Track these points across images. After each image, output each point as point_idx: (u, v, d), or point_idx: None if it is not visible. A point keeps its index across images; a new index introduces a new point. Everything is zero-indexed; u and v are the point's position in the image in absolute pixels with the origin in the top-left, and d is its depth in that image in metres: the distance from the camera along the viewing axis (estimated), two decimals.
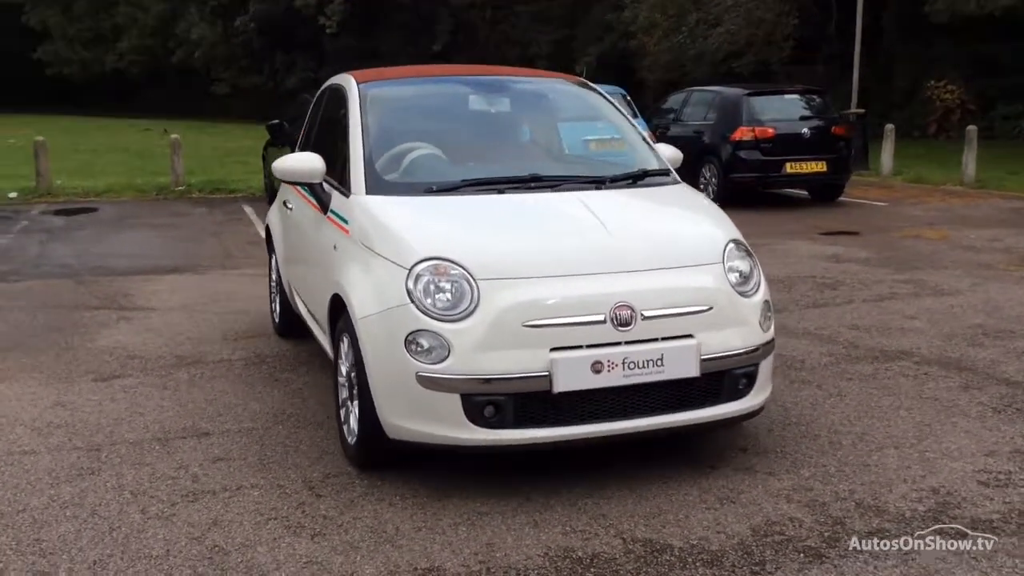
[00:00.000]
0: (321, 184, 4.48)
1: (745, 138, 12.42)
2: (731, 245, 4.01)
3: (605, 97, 5.10)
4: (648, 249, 3.85)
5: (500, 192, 4.15)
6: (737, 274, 3.94)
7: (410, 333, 3.52)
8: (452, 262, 3.60)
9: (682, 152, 4.91)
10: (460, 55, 36.47)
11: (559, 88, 5.33)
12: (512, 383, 3.48)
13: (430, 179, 4.25)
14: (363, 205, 4.10)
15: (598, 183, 4.37)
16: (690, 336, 3.69)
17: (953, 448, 4.15)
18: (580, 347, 3.54)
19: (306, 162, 4.39)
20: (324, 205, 4.43)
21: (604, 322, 3.56)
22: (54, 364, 5.55)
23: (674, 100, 14.63)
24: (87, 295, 7.50)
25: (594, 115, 5.08)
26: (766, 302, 3.99)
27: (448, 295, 3.55)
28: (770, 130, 12.38)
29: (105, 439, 4.32)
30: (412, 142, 4.60)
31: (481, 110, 4.91)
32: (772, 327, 4.02)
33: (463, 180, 4.23)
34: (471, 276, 3.57)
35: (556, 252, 3.74)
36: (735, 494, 3.70)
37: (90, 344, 6.01)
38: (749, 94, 12.91)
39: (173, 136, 15.59)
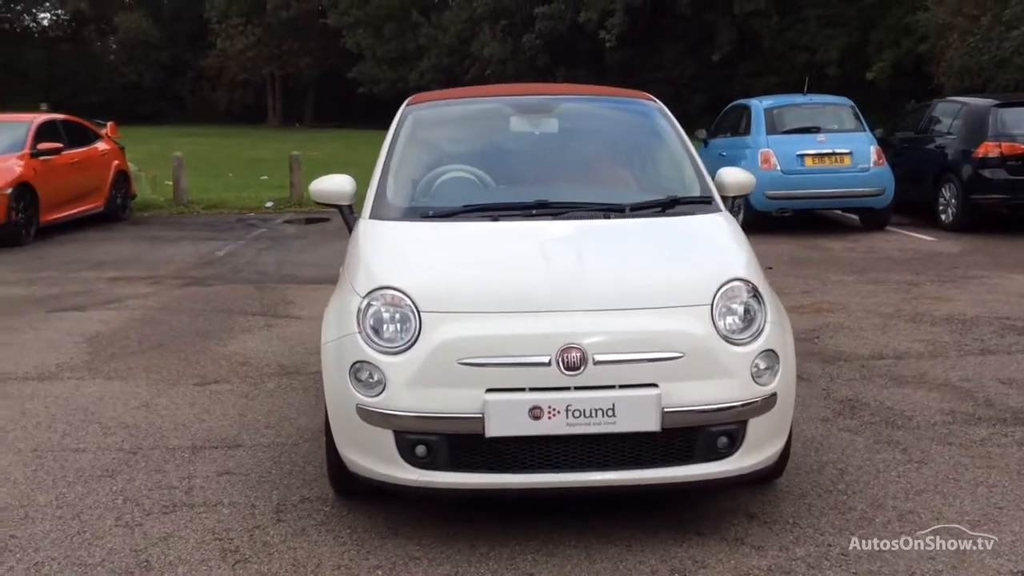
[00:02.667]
0: (350, 207, 4.51)
1: (990, 154, 11.02)
2: (731, 285, 3.56)
3: (670, 120, 4.70)
4: (619, 287, 3.51)
5: (495, 220, 3.98)
6: (733, 318, 3.50)
7: (355, 363, 3.45)
8: (402, 292, 3.49)
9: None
10: (744, 63, 35.46)
11: (617, 107, 5.01)
12: (443, 423, 3.31)
13: (439, 203, 4.16)
14: (359, 229, 4.09)
15: (613, 211, 4.05)
16: (653, 386, 3.32)
17: (1005, 545, 3.44)
18: (522, 390, 3.30)
19: (336, 184, 4.44)
20: (350, 229, 4.46)
21: (549, 364, 3.29)
22: (175, 366, 6.01)
23: (918, 113, 13.30)
24: (255, 301, 8.05)
25: (649, 135, 4.70)
26: (768, 352, 3.49)
27: (395, 326, 3.44)
28: (1021, 146, 10.92)
29: (150, 443, 4.60)
30: (450, 164, 4.53)
31: (523, 132, 4.72)
32: (777, 379, 3.50)
33: (464, 206, 4.09)
34: (416, 308, 3.43)
35: (511, 286, 3.51)
36: (694, 569, 3.28)
37: (219, 348, 6.44)
38: (1000, 105, 11.45)
39: None
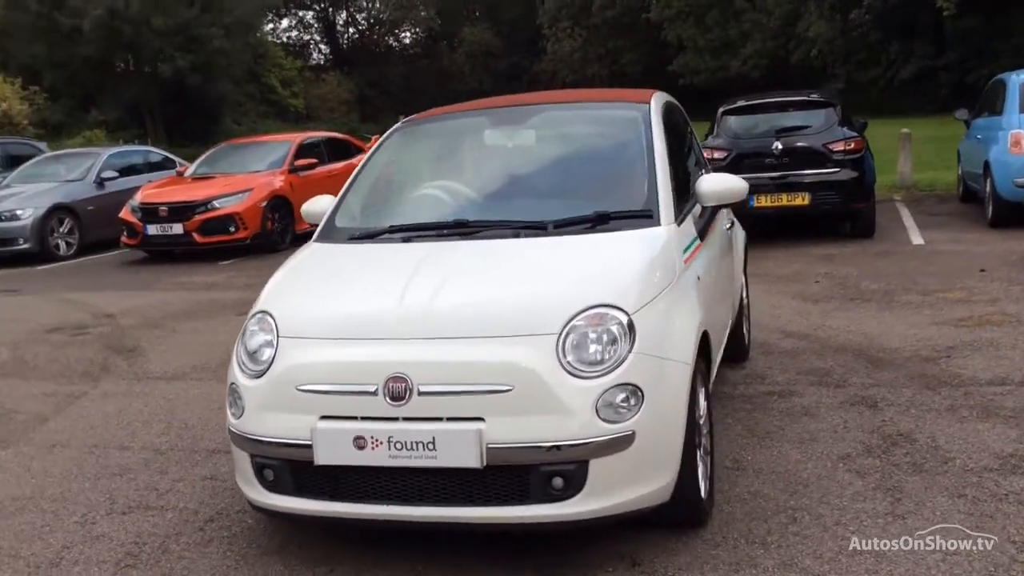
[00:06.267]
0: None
1: None
2: (592, 312, 3.24)
3: (651, 127, 4.28)
4: (465, 316, 3.33)
5: (407, 241, 3.93)
6: (584, 349, 3.19)
7: (231, 384, 3.61)
8: (272, 317, 3.58)
9: None
10: None
11: (598, 116, 4.64)
12: (280, 449, 3.36)
13: (368, 225, 4.19)
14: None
15: (535, 228, 3.83)
16: (479, 420, 3.13)
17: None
18: (354, 418, 3.26)
19: (317, 205, 4.58)
20: None
21: (376, 394, 3.22)
22: None
23: None
24: None
25: (618, 145, 4.34)
26: (625, 386, 3.14)
27: (264, 351, 3.54)
28: None
29: (185, 444, 5.04)
30: (430, 181, 4.53)
31: (496, 145, 4.55)
32: (638, 417, 3.14)
33: (390, 226, 4.08)
34: (277, 333, 3.51)
35: (358, 314, 3.47)
36: None
37: None
38: None
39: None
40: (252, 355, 3.54)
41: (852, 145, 9.95)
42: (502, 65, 55.10)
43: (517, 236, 3.81)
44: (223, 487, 4.38)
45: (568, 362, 3.17)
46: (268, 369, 3.45)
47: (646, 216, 3.85)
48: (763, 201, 10.06)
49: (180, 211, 12.03)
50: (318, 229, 4.31)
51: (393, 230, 4.05)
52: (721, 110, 10.88)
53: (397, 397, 3.19)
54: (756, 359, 5.90)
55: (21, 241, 12.84)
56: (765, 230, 10.99)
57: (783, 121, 10.46)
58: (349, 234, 4.15)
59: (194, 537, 3.88)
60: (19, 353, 7.49)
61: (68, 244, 13.34)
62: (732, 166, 10.19)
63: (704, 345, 3.81)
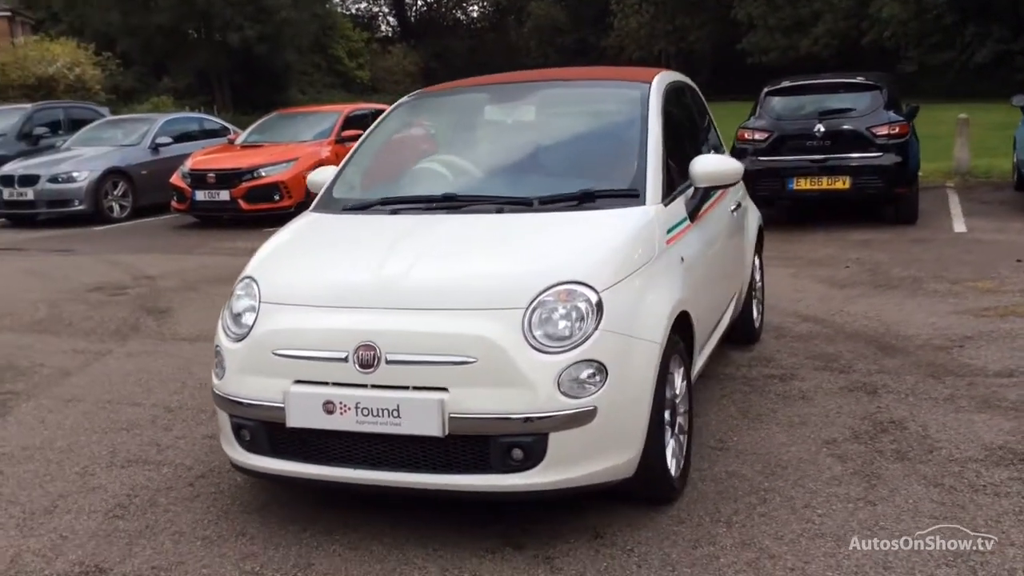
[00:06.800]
0: None
1: None
2: (561, 288, 3.27)
3: (649, 106, 4.27)
4: (436, 287, 3.39)
5: (395, 213, 4.00)
6: (551, 324, 3.23)
7: (216, 347, 3.73)
8: (256, 283, 3.68)
9: None
10: None
11: (599, 93, 4.62)
12: (256, 410, 3.46)
13: (365, 196, 4.26)
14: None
15: (520, 204, 3.86)
16: (443, 390, 3.20)
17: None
18: (325, 384, 3.35)
19: (321, 175, 4.67)
20: None
21: (346, 360, 3.31)
22: None
23: None
24: None
25: (614, 124, 4.33)
26: (590, 363, 3.18)
27: (246, 315, 3.65)
28: None
29: (195, 403, 5.19)
30: (433, 155, 4.58)
31: (496, 121, 4.57)
32: (601, 393, 3.18)
33: (382, 199, 4.15)
34: (260, 298, 3.61)
35: (336, 282, 3.54)
36: None
37: None
38: None
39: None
40: (236, 319, 3.65)
41: (896, 129, 9.74)
42: (568, 40, 54.78)
43: (501, 211, 3.85)
44: (220, 446, 4.51)
45: (534, 337, 3.21)
46: (249, 333, 3.55)
47: (632, 195, 3.86)
48: (803, 184, 9.93)
49: (227, 178, 12.28)
50: (316, 199, 4.40)
51: (385, 202, 4.12)
52: (765, 90, 10.73)
53: (366, 364, 3.27)
54: (767, 342, 5.86)
55: (76, 202, 13.25)
56: (805, 213, 10.87)
57: (827, 103, 10.28)
58: (343, 205, 4.23)
59: (183, 492, 4.02)
60: (57, 310, 7.77)
61: (122, 207, 13.72)
62: (773, 148, 10.09)
63: (686, 326, 3.83)
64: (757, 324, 5.88)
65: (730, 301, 5.07)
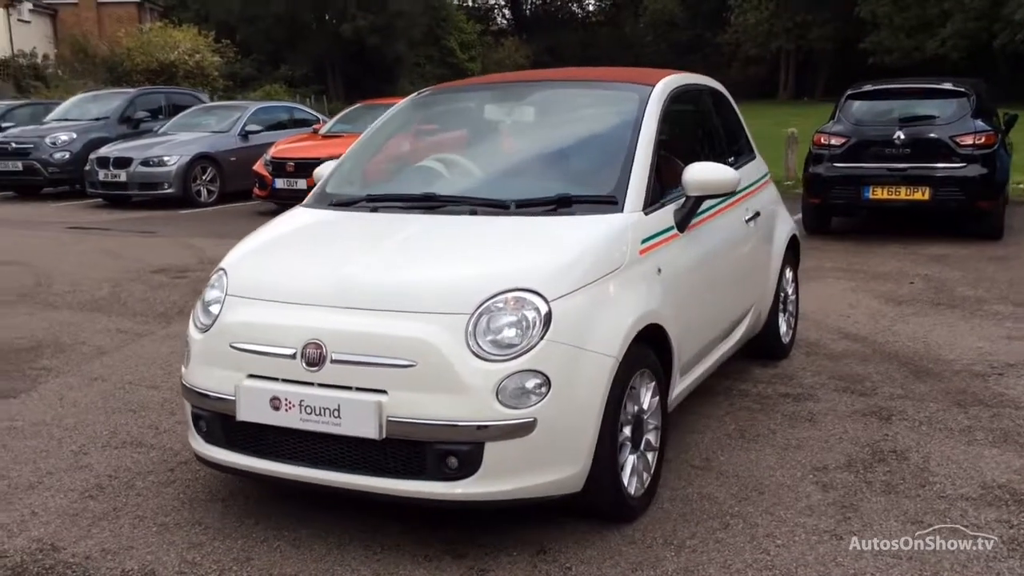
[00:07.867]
0: None
1: None
2: (509, 296, 3.19)
3: (644, 111, 4.12)
4: (385, 288, 3.34)
5: (374, 211, 3.97)
6: (496, 333, 3.15)
7: (186, 338, 3.78)
8: (226, 274, 3.71)
9: None
10: None
11: (597, 96, 4.47)
12: (212, 402, 3.49)
13: (352, 192, 4.26)
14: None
15: (496, 207, 3.79)
16: (382, 392, 3.17)
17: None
18: (275, 380, 3.35)
19: (325, 169, 4.68)
20: None
21: (294, 357, 3.30)
22: None
23: None
24: None
25: (606, 128, 4.19)
26: (532, 372, 3.09)
27: (214, 306, 3.68)
28: None
29: None
30: (435, 153, 4.55)
31: (492, 121, 4.49)
32: (543, 404, 3.09)
33: (367, 195, 4.13)
34: (226, 290, 3.64)
35: (294, 279, 3.53)
36: None
37: None
38: None
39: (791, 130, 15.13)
40: (206, 309, 3.69)
41: (983, 139, 9.23)
42: (684, 36, 54.02)
43: (474, 214, 3.79)
44: None
45: (478, 343, 3.15)
46: (213, 324, 3.59)
47: (610, 202, 3.74)
48: (879, 193, 9.51)
49: (305, 167, 12.49)
50: (310, 193, 4.42)
51: (369, 199, 4.11)
52: (847, 94, 10.32)
53: (312, 363, 3.26)
54: (795, 359, 5.62)
55: (166, 186, 13.74)
56: (883, 224, 10.42)
57: (910, 109, 9.82)
58: (331, 200, 4.23)
59: (161, 476, 4.10)
60: (117, 290, 8.06)
61: (209, 192, 14.17)
62: (850, 154, 9.70)
63: (661, 340, 3.69)
64: (787, 340, 5.64)
65: (743, 315, 4.87)
